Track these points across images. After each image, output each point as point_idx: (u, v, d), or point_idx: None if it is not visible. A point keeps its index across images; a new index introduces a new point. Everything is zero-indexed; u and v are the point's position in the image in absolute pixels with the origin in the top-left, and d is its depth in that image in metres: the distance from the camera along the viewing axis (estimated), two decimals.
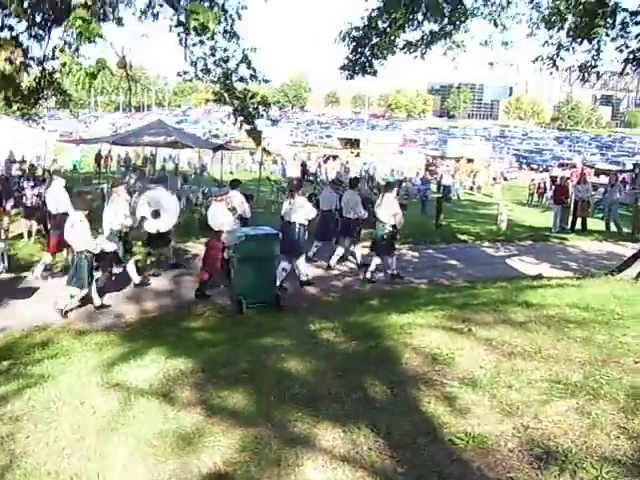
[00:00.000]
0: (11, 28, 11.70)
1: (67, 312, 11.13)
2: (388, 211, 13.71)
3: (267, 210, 22.31)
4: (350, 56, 14.36)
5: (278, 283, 12.62)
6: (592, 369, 5.37)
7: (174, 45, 18.29)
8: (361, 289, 13.49)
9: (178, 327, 10.41)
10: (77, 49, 15.77)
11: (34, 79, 18.80)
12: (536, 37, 13.91)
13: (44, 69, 19.11)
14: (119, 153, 41.67)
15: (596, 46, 12.53)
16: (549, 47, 13.29)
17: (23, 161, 31.02)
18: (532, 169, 71.19)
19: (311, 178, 44.96)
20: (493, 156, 69.18)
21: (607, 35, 11.85)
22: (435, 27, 13.39)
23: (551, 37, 12.92)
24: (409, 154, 67.39)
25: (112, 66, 10.47)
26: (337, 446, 4.48)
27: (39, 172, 26.04)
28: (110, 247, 11.50)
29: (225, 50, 17.89)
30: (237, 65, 17.90)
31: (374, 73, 14.57)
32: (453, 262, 16.32)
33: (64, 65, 8.60)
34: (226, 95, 18.57)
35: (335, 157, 56.74)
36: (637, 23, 11.85)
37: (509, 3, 13.51)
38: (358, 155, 64.78)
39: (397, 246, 15.08)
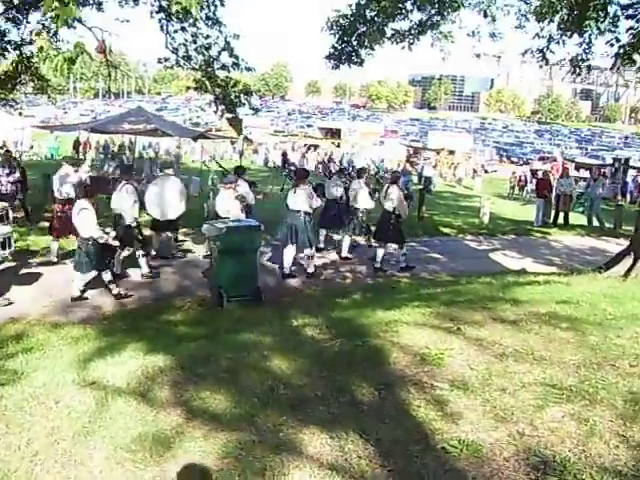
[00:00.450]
0: None
1: (81, 296, 11.13)
2: (394, 201, 13.82)
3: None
4: (336, 45, 14.11)
5: (287, 271, 13.09)
6: (587, 372, 5.22)
7: (155, 31, 18.02)
8: (342, 282, 13.28)
9: (157, 320, 10.12)
10: (55, 33, 15.48)
11: (11, 64, 18.39)
12: (524, 30, 13.80)
13: (22, 54, 18.71)
14: (98, 140, 41.17)
15: (587, 39, 12.40)
16: (539, 40, 13.16)
17: (1, 147, 30.49)
18: (512, 162, 71.23)
19: (292, 168, 44.74)
20: (474, 148, 69.10)
21: (598, 29, 11.68)
22: (423, 17, 13.21)
23: (542, 29, 12.76)
24: (390, 145, 67.11)
25: (91, 51, 10.21)
26: (325, 453, 4.27)
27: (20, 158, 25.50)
28: (114, 243, 11.31)
29: (207, 37, 17.60)
30: (219, 52, 17.63)
31: (361, 63, 14.35)
32: (436, 255, 16.15)
33: (41, 50, 8.30)
34: (208, 83, 18.28)
35: (316, 147, 56.53)
36: (628, 17, 11.70)
37: None
38: (339, 145, 64.50)
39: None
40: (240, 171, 15.15)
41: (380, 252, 14.12)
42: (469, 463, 4.05)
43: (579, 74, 13.12)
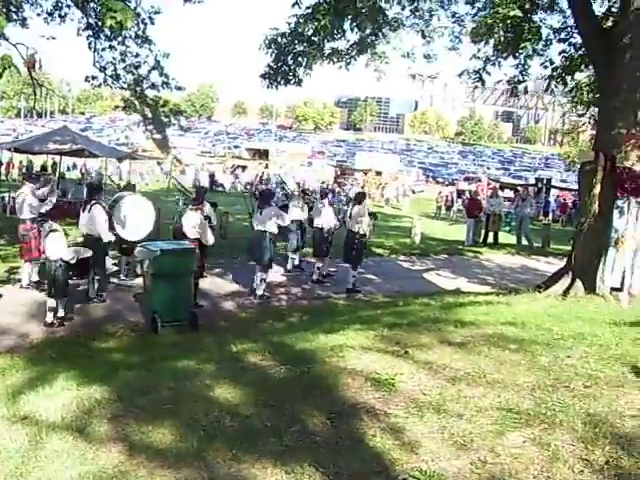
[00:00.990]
0: None
1: (60, 322, 10.78)
2: (359, 221, 13.91)
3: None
4: (272, 64, 13.94)
5: (260, 293, 13.04)
6: (542, 395, 5.12)
7: (81, 49, 17.59)
8: (278, 305, 13.03)
9: (88, 348, 9.64)
10: None
11: None
12: (457, 52, 13.92)
13: None
14: (20, 160, 40.12)
15: (522, 61, 12.57)
16: (475, 61, 13.28)
17: None
18: (438, 182, 72.42)
19: (219, 189, 44.51)
20: (401, 169, 69.85)
21: (534, 50, 11.86)
22: (362, 35, 13.17)
23: (479, 50, 12.87)
24: (318, 166, 67.33)
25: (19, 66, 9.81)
26: None
27: None
28: (87, 253, 11.34)
29: (137, 55, 17.30)
30: (149, 71, 17.33)
31: (299, 82, 14.19)
32: (370, 276, 16.03)
33: None
34: (136, 102, 17.94)
35: (244, 168, 56.35)
36: (560, 40, 11.91)
37: (431, 16, 13.43)
38: (267, 166, 64.36)
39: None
40: (202, 191, 15.03)
41: (352, 273, 14.14)
42: None
43: (516, 95, 13.30)
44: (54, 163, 33.04)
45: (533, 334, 6.81)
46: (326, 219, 15.14)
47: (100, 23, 15.60)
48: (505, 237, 24.72)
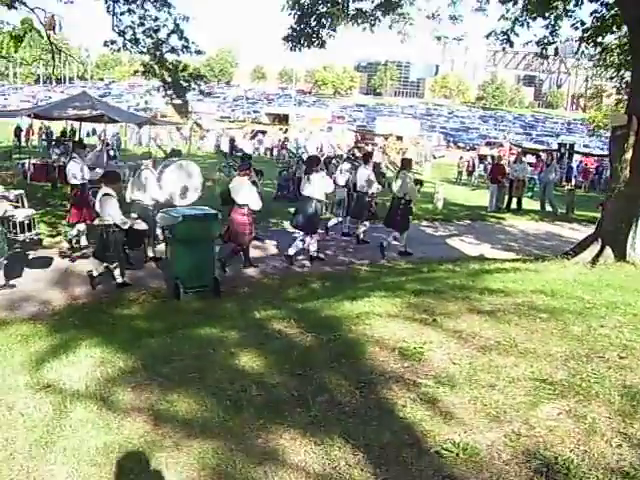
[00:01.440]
0: None
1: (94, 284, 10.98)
2: (403, 187, 13.86)
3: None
4: (294, 26, 13.68)
5: (292, 252, 13.13)
6: (576, 365, 4.99)
7: (100, 14, 17.38)
8: (301, 271, 12.91)
9: (111, 314, 9.61)
10: None
11: None
12: (485, 12, 13.58)
13: None
14: (40, 126, 40.06)
15: (552, 22, 12.22)
16: (503, 22, 12.92)
17: None
18: (459, 147, 71.71)
19: (239, 154, 44.26)
20: (421, 134, 69.21)
21: (565, 10, 11.51)
22: None
23: (507, 11, 12.52)
24: (338, 130, 66.82)
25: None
26: (311, 462, 3.94)
27: None
28: (141, 226, 11.20)
29: (155, 19, 17.09)
30: (168, 35, 17.14)
31: (322, 44, 13.93)
32: (393, 242, 15.87)
33: None
34: (156, 67, 17.76)
35: (264, 133, 56.07)
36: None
37: None
38: (287, 131, 63.96)
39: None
40: (248, 158, 15.49)
41: (401, 237, 14.30)
42: (467, 468, 3.77)
43: (546, 57, 12.96)
44: (72, 128, 32.87)
45: (564, 303, 6.65)
46: (368, 183, 15.10)
47: None
48: (528, 203, 24.40)
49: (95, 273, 10.97)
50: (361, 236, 15.36)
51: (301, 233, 13.40)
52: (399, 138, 56.61)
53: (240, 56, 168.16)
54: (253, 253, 13.34)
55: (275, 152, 46.76)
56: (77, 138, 29.85)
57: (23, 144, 38.08)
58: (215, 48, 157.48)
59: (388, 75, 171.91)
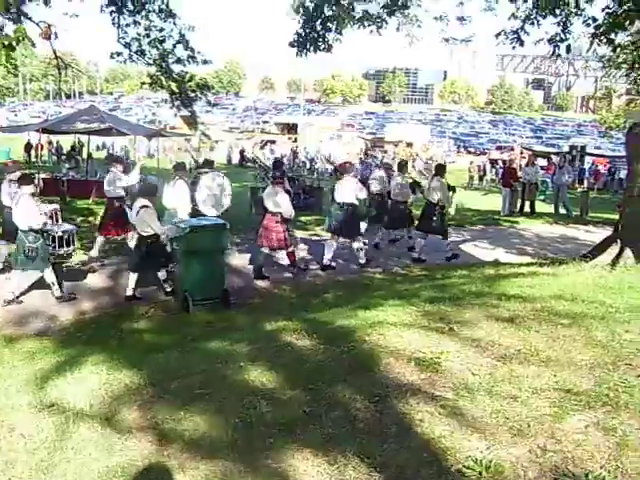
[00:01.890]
0: None
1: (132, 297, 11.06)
2: (438, 193, 14.10)
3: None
4: (300, 31, 13.55)
5: (362, 262, 13.47)
6: (603, 374, 4.73)
7: (108, 29, 17.26)
8: (313, 281, 12.71)
9: (119, 329, 9.45)
10: (1, 28, 14.66)
11: None
12: (493, 12, 13.40)
13: None
14: (50, 141, 40.17)
15: (563, 19, 12.02)
16: (514, 21, 12.72)
17: None
18: (469, 152, 71.54)
19: (249, 164, 44.34)
20: (432, 140, 69.12)
21: (577, 6, 11.30)
22: None
23: (518, 9, 12.31)
24: (348, 138, 66.80)
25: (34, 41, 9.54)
26: None
27: None
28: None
29: (161, 30, 16.98)
30: (174, 46, 17.04)
31: (329, 49, 13.78)
32: (405, 249, 15.67)
33: None
34: (162, 78, 17.67)
35: (273, 142, 56.18)
36: None
37: None
38: (296, 140, 64.00)
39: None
40: (278, 164, 15.82)
41: (421, 242, 14.45)
42: None
43: (558, 55, 12.73)
44: (80, 142, 32.89)
45: (585, 307, 6.39)
46: (401, 192, 15.20)
47: None
48: (540, 206, 24.19)
49: (130, 292, 11.05)
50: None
51: (327, 239, 13.69)
52: (409, 144, 56.59)
53: (248, 67, 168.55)
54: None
55: (285, 161, 46.68)
56: (86, 152, 29.92)
57: (33, 159, 38.18)
58: (223, 60, 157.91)
59: (396, 82, 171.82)
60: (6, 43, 7.12)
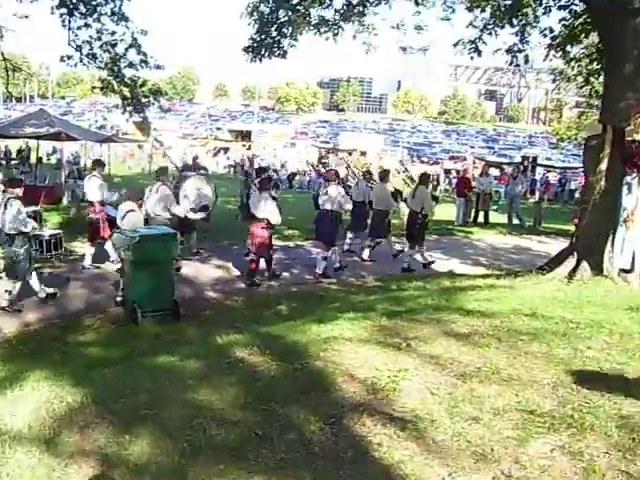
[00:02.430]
0: None
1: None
2: (421, 202, 14.01)
3: None
4: (255, 36, 13.33)
5: (320, 271, 13.21)
6: (566, 394, 4.59)
7: (60, 32, 16.85)
8: (265, 292, 12.43)
9: (64, 342, 9.05)
10: None
11: None
12: (450, 21, 13.33)
13: None
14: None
15: (521, 29, 12.00)
16: (471, 30, 12.69)
17: None
18: (423, 162, 71.81)
19: (202, 171, 43.77)
20: (385, 149, 69.33)
21: (535, 17, 11.29)
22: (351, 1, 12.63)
23: (476, 18, 12.26)
24: (301, 146, 66.72)
25: None
26: None
27: None
28: None
29: (113, 33, 16.65)
30: (126, 49, 16.71)
31: (283, 54, 13.62)
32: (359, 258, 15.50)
33: None
34: (114, 82, 17.34)
35: (227, 149, 55.76)
36: (560, 7, 11.32)
37: None
38: (250, 148, 63.64)
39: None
40: (262, 170, 15.88)
41: (409, 252, 14.44)
42: None
43: (517, 65, 12.72)
44: (27, 147, 32.22)
45: (545, 323, 6.27)
46: (383, 201, 15.28)
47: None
48: (494, 216, 24.19)
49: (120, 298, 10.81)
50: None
51: (318, 250, 13.73)
52: (363, 153, 56.63)
53: (202, 74, 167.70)
54: (213, 274, 12.94)
55: (239, 169, 46.24)
56: (35, 157, 29.24)
57: None
58: (177, 66, 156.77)
59: (351, 91, 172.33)
60: None
